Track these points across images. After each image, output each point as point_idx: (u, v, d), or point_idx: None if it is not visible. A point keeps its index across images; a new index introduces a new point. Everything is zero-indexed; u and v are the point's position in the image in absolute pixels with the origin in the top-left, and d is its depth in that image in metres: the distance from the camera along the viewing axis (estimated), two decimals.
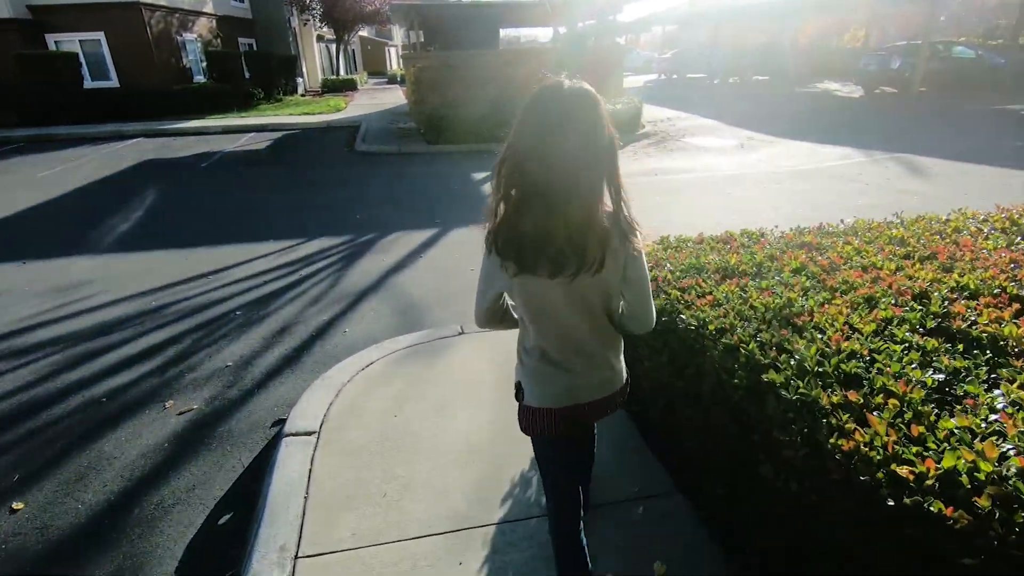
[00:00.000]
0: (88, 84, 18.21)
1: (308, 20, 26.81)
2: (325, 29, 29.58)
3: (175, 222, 7.06)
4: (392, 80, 32.11)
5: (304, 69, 28.75)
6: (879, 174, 8.34)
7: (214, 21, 22.40)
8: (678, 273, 2.56)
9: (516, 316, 1.53)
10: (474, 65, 12.78)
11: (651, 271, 2.11)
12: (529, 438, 1.59)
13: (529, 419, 1.52)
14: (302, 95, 25.69)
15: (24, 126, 16.29)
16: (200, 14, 21.35)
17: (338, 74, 30.73)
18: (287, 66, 24.80)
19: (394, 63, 42.39)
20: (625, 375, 1.58)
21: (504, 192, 1.27)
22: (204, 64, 20.93)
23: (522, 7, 13.52)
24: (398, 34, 47.92)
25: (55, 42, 17.87)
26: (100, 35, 17.92)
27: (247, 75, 22.19)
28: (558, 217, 1.22)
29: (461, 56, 12.92)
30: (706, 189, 7.88)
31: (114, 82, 18.45)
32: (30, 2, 17.26)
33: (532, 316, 1.41)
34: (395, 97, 23.20)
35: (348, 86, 27.21)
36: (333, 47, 29.92)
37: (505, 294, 1.46)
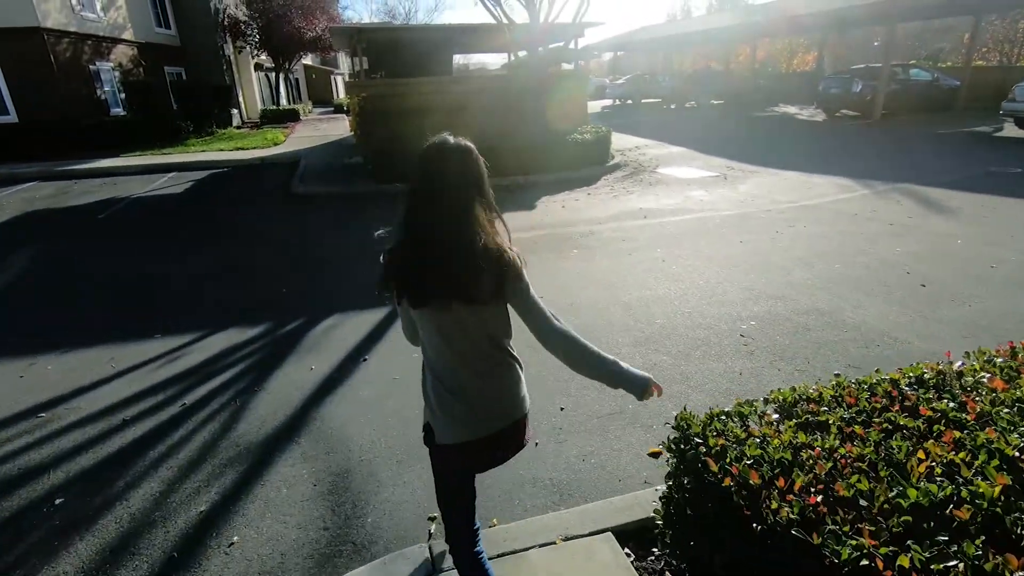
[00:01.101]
0: None
1: (243, 47, 24.97)
2: (264, 57, 27.78)
3: (31, 306, 5.28)
4: (339, 109, 30.42)
5: (241, 99, 26.81)
6: (895, 211, 7.35)
7: (135, 49, 20.35)
8: None
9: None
10: (425, 93, 11.45)
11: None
12: None
13: (443, 457, 1.57)
14: (237, 127, 23.73)
15: None
16: (117, 41, 19.30)
17: (279, 104, 28.87)
18: (220, 96, 22.86)
19: (341, 92, 40.71)
20: (526, 407, 1.60)
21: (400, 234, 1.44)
22: (123, 95, 18.84)
23: (477, 31, 12.35)
24: (344, 62, 46.38)
25: None
26: None
27: (174, 107, 20.21)
28: (437, 248, 1.39)
29: (411, 83, 11.58)
30: (708, 236, 6.67)
31: (11, 116, 16.16)
32: None
33: (428, 346, 1.51)
34: (341, 127, 21.58)
35: (289, 116, 25.41)
36: (273, 76, 28.08)
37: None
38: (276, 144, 16.90)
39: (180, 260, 6.53)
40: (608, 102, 31.34)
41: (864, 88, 17.42)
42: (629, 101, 30.27)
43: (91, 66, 17.74)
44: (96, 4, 18.22)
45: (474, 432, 1.49)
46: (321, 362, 3.91)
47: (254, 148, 16.05)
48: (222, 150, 15.75)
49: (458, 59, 24.32)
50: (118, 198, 10.34)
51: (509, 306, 1.50)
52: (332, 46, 26.03)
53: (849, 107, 18.50)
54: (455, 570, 1.75)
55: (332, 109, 33.30)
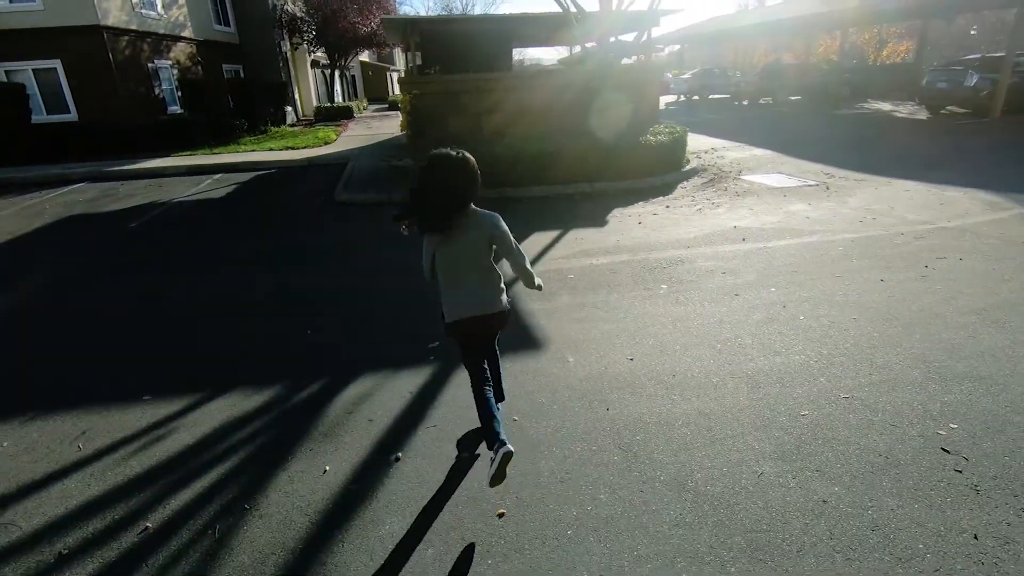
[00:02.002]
0: (41, 118, 15.98)
1: (300, 44, 24.71)
2: (320, 54, 27.54)
3: (11, 349, 4.51)
4: (393, 106, 29.89)
5: (297, 96, 26.66)
6: None
7: (194, 46, 20.29)
8: None
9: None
10: (483, 90, 10.38)
11: None
12: None
13: (454, 332, 2.60)
14: (291, 125, 23.48)
15: None
16: (177, 39, 19.23)
17: (333, 101, 28.60)
18: (276, 94, 22.65)
19: (396, 89, 40.43)
20: (505, 305, 2.60)
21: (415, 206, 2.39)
22: (179, 93, 18.75)
23: (540, 22, 11.19)
24: (400, 59, 46.14)
25: (5, 72, 15.70)
26: (56, 63, 15.73)
27: (230, 104, 20.02)
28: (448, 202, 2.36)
29: (467, 80, 10.55)
30: (834, 269, 5.28)
31: (72, 115, 16.22)
32: None
33: (442, 271, 2.51)
34: (394, 125, 20.86)
35: (343, 114, 25.00)
36: (329, 73, 27.83)
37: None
38: (327, 143, 16.30)
39: (194, 284, 5.70)
40: (672, 98, 29.51)
41: (980, 81, 15.17)
42: (695, 97, 28.37)
43: (149, 64, 17.68)
44: (157, 2, 18.16)
45: (464, 311, 2.53)
46: (339, 460, 2.87)
47: (304, 148, 15.48)
48: (272, 149, 15.25)
49: (513, 55, 23.21)
50: (157, 203, 9.79)
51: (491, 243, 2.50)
52: (387, 42, 25.45)
53: (959, 103, 16.23)
54: None
55: (387, 106, 32.87)
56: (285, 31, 23.73)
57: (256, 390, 3.56)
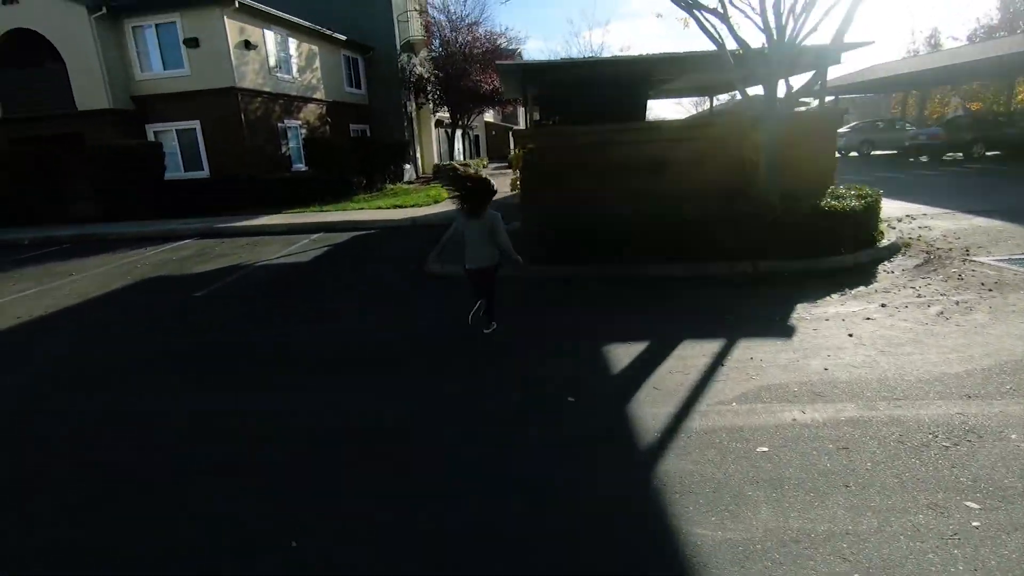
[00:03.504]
0: (177, 175, 16.72)
1: (424, 104, 24.94)
2: (443, 113, 27.79)
3: None
4: (511, 164, 29.32)
5: (419, 154, 26.86)
6: None
7: (324, 107, 20.89)
8: None
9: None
10: (612, 143, 8.51)
11: None
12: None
13: (468, 274, 4.92)
14: (409, 182, 23.33)
15: (103, 220, 14.74)
16: (308, 100, 19.83)
17: (453, 159, 28.57)
18: (396, 152, 22.68)
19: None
20: (495, 261, 4.79)
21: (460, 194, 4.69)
22: (304, 151, 19.07)
23: (685, 63, 9.20)
24: (524, 118, 46.56)
25: (154, 132, 16.73)
26: (196, 124, 16.50)
27: (353, 162, 20.14)
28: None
29: (592, 132, 8.77)
30: None
31: (204, 172, 16.83)
32: (135, 92, 16.33)
33: (466, 237, 4.78)
34: (508, 183, 19.75)
35: None
36: (451, 131, 27.96)
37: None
38: (436, 202, 15.30)
39: (201, 405, 4.12)
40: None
41: None
42: (853, 153, 24.52)
43: (279, 123, 18.16)
44: (292, 67, 18.85)
45: (472, 264, 4.78)
46: None
47: (412, 206, 14.54)
48: (379, 208, 14.49)
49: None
50: (241, 266, 8.87)
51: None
52: (508, 98, 24.91)
53: None
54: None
55: (506, 164, 32.48)
56: (411, 92, 24.04)
57: None
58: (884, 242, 7.89)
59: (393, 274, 7.83)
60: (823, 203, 7.59)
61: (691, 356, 4.40)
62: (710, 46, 8.01)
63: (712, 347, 4.55)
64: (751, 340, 4.67)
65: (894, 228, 8.93)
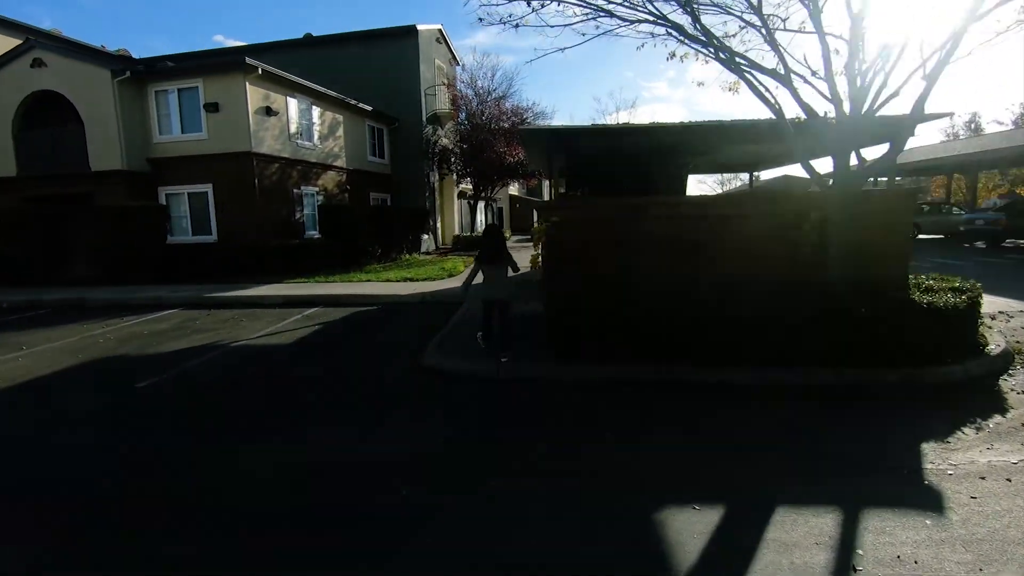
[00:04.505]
0: (184, 238, 16.00)
1: (447, 174, 24.51)
2: (466, 185, 27.39)
3: None
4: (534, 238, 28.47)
5: (439, 224, 26.21)
6: None
7: (344, 175, 20.43)
8: None
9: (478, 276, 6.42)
10: (650, 218, 7.29)
11: None
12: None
13: (480, 299, 6.56)
14: (426, 252, 22.47)
15: (101, 283, 13.87)
16: (328, 167, 19.38)
17: (474, 231, 27.87)
18: (415, 222, 21.99)
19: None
20: (508, 295, 6.36)
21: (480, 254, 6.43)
22: (318, 219, 18.37)
23: (739, 132, 8.06)
24: (548, 192, 46.47)
25: (166, 195, 16.19)
26: (208, 187, 15.92)
27: (368, 230, 19.39)
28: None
29: (626, 204, 7.59)
30: None
31: (212, 236, 16.07)
32: (152, 155, 15.95)
33: (483, 276, 6.33)
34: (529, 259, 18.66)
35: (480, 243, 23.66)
36: (476, 204, 27.41)
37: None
38: (451, 275, 14.17)
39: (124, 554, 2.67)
40: None
41: None
42: None
43: (296, 189, 17.56)
44: (314, 134, 18.53)
45: (487, 296, 6.36)
46: None
47: (424, 279, 13.39)
48: (388, 280, 13.36)
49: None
50: (213, 346, 7.61)
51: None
52: (531, 171, 24.36)
53: None
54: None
55: (528, 237, 31.74)
56: (435, 162, 23.67)
57: None
58: (992, 348, 6.30)
59: (382, 367, 6.43)
60: (921, 299, 6.11)
61: (796, 543, 2.83)
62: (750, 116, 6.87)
63: (825, 526, 2.98)
64: (883, 513, 3.09)
65: (990, 327, 7.35)
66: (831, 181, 7.23)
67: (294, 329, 8.61)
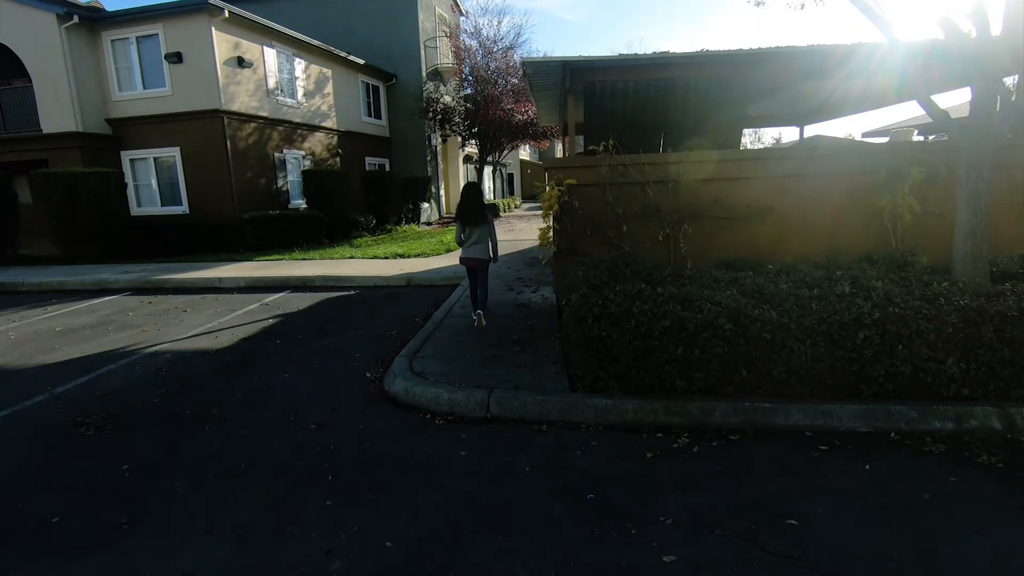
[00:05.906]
0: (152, 210, 14.28)
1: (449, 135, 22.29)
2: (472, 148, 25.16)
3: None
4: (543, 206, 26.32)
5: (443, 192, 24.17)
6: None
7: (335, 137, 18.41)
8: None
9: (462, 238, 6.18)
10: (697, 180, 5.32)
11: None
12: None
13: (464, 262, 6.21)
14: (427, 223, 20.55)
15: (56, 263, 12.22)
16: (316, 128, 17.35)
17: (482, 196, 25.77)
18: (415, 189, 20.00)
19: None
20: (489, 256, 6.14)
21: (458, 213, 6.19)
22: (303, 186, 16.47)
23: (824, 56, 5.94)
24: (562, 151, 43.92)
25: (130, 160, 14.35)
26: (175, 151, 14.04)
27: (364, 198, 17.47)
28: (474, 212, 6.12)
29: (667, 162, 5.64)
30: None
31: (183, 207, 14.27)
32: (112, 114, 14.05)
33: (466, 237, 6.11)
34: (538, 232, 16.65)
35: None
36: (483, 169, 25.19)
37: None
38: (450, 251, 12.29)
39: None
40: None
41: None
42: None
43: (277, 154, 15.61)
44: (298, 90, 16.46)
45: (469, 256, 6.12)
46: None
47: (416, 256, 11.53)
48: (375, 257, 11.52)
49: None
50: (125, 351, 5.86)
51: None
52: (543, 132, 22.11)
53: None
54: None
55: (540, 205, 29.63)
56: (436, 123, 21.45)
57: None
58: None
59: (328, 394, 4.59)
60: None
61: None
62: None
63: None
64: None
65: None
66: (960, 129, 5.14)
67: (240, 324, 6.82)
